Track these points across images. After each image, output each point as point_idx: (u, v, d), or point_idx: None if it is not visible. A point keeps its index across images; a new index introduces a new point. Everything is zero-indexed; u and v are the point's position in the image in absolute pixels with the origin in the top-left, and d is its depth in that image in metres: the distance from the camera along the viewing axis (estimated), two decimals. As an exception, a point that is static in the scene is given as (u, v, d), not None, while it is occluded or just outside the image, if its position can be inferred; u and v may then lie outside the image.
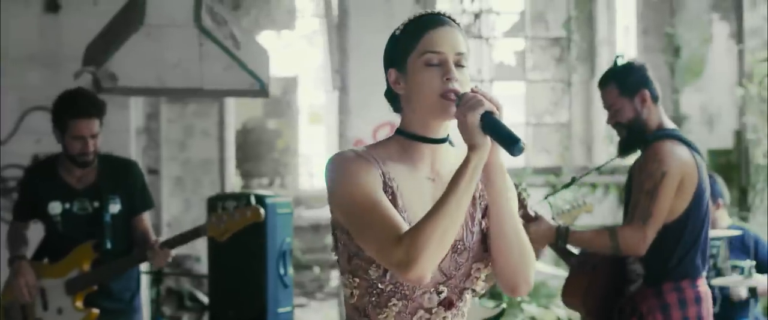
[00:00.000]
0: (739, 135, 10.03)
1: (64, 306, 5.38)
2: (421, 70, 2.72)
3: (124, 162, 5.72)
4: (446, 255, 2.68)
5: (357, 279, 2.74)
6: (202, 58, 7.00)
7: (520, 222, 2.78)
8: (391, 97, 2.84)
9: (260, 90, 7.26)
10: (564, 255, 5.09)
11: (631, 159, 4.94)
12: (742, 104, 10.03)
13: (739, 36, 10.33)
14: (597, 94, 5.08)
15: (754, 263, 5.47)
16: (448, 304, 2.76)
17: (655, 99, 4.80)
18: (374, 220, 2.61)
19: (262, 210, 5.20)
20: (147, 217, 5.60)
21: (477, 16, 11.47)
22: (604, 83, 4.88)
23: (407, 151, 2.76)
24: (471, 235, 2.76)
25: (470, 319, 5.79)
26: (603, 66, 10.16)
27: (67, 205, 5.45)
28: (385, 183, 2.70)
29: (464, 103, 2.61)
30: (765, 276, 5.74)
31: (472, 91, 2.65)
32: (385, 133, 10.32)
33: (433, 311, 2.75)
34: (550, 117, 11.89)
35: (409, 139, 2.77)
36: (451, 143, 2.81)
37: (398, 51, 2.79)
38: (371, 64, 10.21)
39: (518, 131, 13.13)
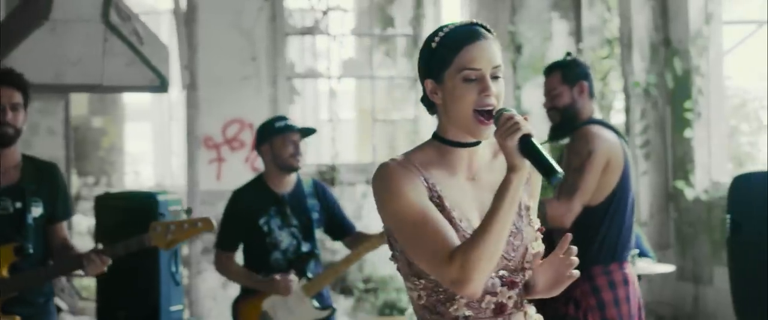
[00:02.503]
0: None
1: None
2: (459, 85, 2.80)
3: (49, 166, 5.19)
4: None
5: (423, 281, 2.84)
6: (105, 54, 6.93)
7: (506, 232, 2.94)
8: (427, 102, 2.92)
9: (160, 86, 7.23)
10: None
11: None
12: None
13: (577, 34, 10.62)
14: None
15: (637, 251, 5.61)
16: (510, 284, 2.89)
17: (591, 94, 5.07)
18: (425, 235, 2.74)
19: (213, 221, 5.09)
20: (66, 226, 5.23)
21: (325, 13, 11.57)
22: (549, 71, 5.15)
23: (445, 155, 2.88)
24: (520, 218, 2.90)
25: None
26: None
27: None
28: (430, 190, 2.81)
29: (502, 126, 2.72)
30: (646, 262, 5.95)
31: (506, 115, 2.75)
32: (235, 130, 10.35)
33: (498, 292, 2.87)
34: (396, 113, 12.03)
35: (446, 144, 2.88)
36: None
37: (435, 63, 2.84)
38: (220, 60, 10.31)
39: (365, 126, 13.22)
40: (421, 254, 2.76)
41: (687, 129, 9.31)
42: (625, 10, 9.82)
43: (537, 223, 2.97)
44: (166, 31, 16.18)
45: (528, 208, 2.94)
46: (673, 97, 9.53)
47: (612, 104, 10.08)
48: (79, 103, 16.22)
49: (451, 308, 2.84)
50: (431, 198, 2.80)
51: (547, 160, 2.69)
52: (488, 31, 2.86)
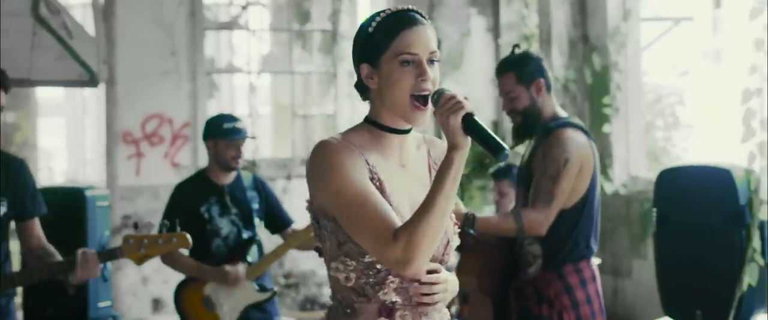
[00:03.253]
0: (496, 125, 10.40)
1: None
2: (396, 69, 2.81)
3: (16, 161, 4.88)
4: None
5: (353, 263, 2.83)
6: (34, 48, 6.82)
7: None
8: (361, 87, 2.91)
9: (90, 80, 7.13)
10: (461, 235, 5.21)
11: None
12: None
13: (495, 30, 10.71)
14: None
15: None
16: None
17: (548, 88, 4.95)
18: (368, 214, 2.73)
19: (188, 237, 4.97)
20: (38, 223, 4.88)
21: (244, 8, 11.54)
22: (501, 71, 4.99)
23: (379, 140, 2.88)
24: None
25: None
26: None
27: None
28: (370, 171, 2.81)
29: (443, 105, 2.73)
30: None
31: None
32: (154, 125, 10.26)
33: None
34: (315, 108, 12.03)
35: (379, 129, 2.88)
36: None
37: (371, 48, 2.84)
38: (139, 55, 10.21)
39: (283, 122, 13.17)
40: (363, 232, 2.75)
41: (605, 124, 9.43)
42: (544, 7, 9.92)
43: (454, 217, 2.98)
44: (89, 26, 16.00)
45: None
46: (591, 93, 9.65)
47: (531, 99, 10.17)
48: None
49: (380, 292, 2.84)
50: (372, 180, 2.80)
51: (492, 137, 2.70)
52: (424, 17, 2.86)
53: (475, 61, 10.74)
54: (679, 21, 9.92)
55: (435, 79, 2.82)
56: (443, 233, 2.85)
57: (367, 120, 2.91)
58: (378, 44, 2.83)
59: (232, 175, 6.16)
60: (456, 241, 2.97)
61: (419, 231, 2.68)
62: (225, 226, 6.05)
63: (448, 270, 3.00)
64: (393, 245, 2.69)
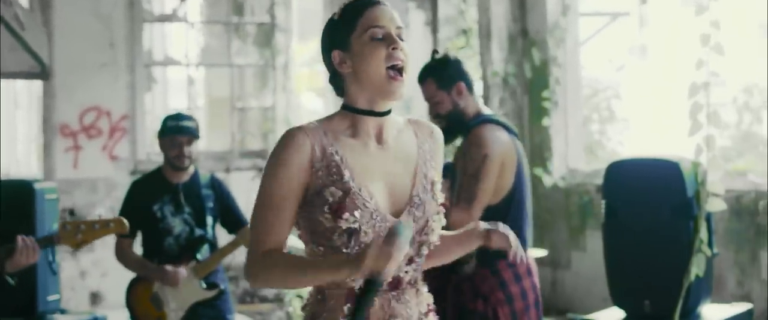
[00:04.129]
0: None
1: None
2: (367, 44, 2.85)
3: None
4: (404, 210, 2.88)
5: (322, 248, 2.87)
6: None
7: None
8: (335, 81, 2.96)
9: (41, 72, 7.05)
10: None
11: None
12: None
13: (434, 24, 10.77)
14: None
15: None
16: (409, 260, 2.92)
17: (470, 89, 4.99)
18: (262, 220, 2.87)
19: (125, 222, 5.01)
20: None
21: (182, 0, 11.48)
22: (422, 78, 5.02)
23: (356, 125, 2.91)
24: (424, 189, 2.95)
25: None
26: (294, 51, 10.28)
27: None
28: (326, 158, 2.84)
29: (391, 245, 2.65)
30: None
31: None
32: (92, 118, 10.19)
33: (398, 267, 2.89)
34: (254, 101, 11.99)
35: (356, 113, 2.91)
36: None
37: (340, 32, 2.91)
38: (77, 46, 10.13)
39: (222, 114, 13.12)
40: (253, 228, 2.88)
41: (544, 118, 9.53)
42: (483, 1, 9.99)
43: (441, 198, 3.01)
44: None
45: (433, 183, 2.99)
46: (530, 87, 9.74)
47: (470, 93, 10.24)
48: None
49: (349, 278, 2.86)
50: (328, 168, 2.84)
51: (362, 312, 2.73)
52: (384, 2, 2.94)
53: (414, 54, 10.58)
54: (617, 16, 10.05)
55: (406, 53, 2.88)
56: (421, 215, 2.91)
57: (345, 107, 2.95)
58: (346, 26, 2.90)
59: (188, 174, 6.14)
60: (440, 221, 2.98)
61: (275, 274, 2.85)
62: (177, 225, 6.05)
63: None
64: (255, 260, 2.85)
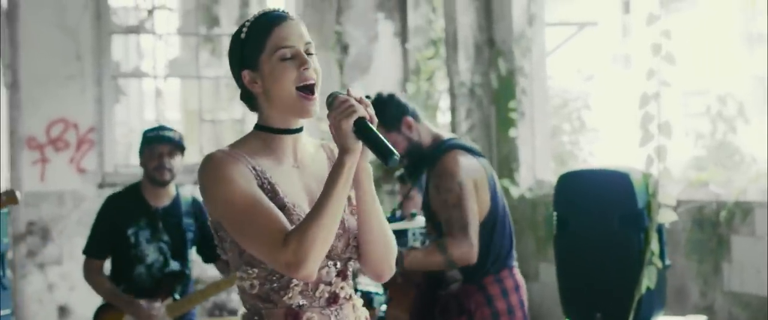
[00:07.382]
0: (407, 127, 10.44)
1: None
2: (277, 65, 2.82)
3: None
4: None
5: (256, 270, 2.83)
6: None
7: (383, 216, 2.94)
8: (247, 97, 2.92)
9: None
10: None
11: None
12: (409, 98, 10.45)
13: (403, 34, 10.76)
14: None
15: None
16: (342, 275, 2.91)
17: (417, 118, 4.95)
18: (257, 221, 2.74)
19: (17, 194, 4.87)
20: None
21: (150, 12, 11.46)
22: None
23: (270, 144, 2.88)
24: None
25: None
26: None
27: None
28: (259, 177, 2.80)
29: (337, 108, 2.74)
30: None
31: (348, 93, 2.77)
32: (59, 130, 10.14)
33: (333, 282, 2.89)
34: (223, 113, 11.98)
35: (269, 132, 2.87)
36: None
37: (248, 51, 2.86)
38: (43, 58, 10.08)
39: (191, 127, 13.12)
40: (254, 240, 2.75)
41: (511, 128, 9.50)
42: (450, 11, 9.96)
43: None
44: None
45: (349, 198, 2.95)
46: (497, 97, 9.71)
47: (438, 104, 10.23)
48: None
49: (285, 297, 2.84)
50: (262, 186, 2.80)
51: (382, 142, 2.72)
52: (290, 16, 2.90)
53: (383, 65, 10.76)
54: (584, 26, 10.04)
55: (317, 68, 2.86)
56: (342, 232, 2.87)
57: (257, 127, 2.92)
58: (254, 46, 2.86)
59: (170, 196, 5.81)
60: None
61: (310, 235, 2.68)
62: (151, 254, 5.73)
63: (355, 272, 3.02)
64: (283, 249, 2.69)
